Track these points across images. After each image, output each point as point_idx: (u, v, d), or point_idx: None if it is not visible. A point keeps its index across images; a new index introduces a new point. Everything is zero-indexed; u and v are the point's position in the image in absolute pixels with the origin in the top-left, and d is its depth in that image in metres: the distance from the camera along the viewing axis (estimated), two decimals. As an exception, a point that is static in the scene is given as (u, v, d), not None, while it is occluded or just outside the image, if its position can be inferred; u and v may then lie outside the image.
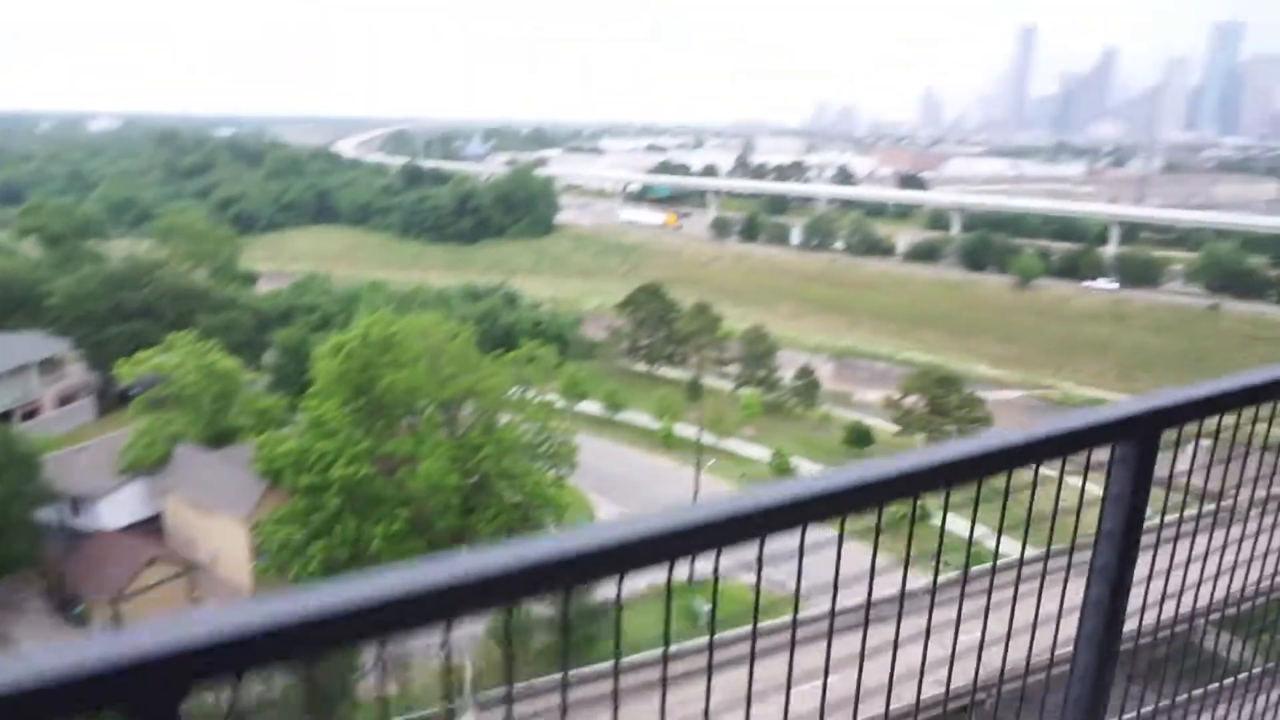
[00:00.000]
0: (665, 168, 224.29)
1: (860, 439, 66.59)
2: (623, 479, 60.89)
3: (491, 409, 48.36)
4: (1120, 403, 1.79)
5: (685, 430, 65.99)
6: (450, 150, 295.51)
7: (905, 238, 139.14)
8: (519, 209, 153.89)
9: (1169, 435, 2.16)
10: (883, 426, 68.75)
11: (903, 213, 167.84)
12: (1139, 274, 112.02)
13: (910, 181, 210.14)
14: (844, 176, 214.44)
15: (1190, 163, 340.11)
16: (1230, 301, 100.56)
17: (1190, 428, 2.20)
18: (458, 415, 48.19)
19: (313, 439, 43.17)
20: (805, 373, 78.29)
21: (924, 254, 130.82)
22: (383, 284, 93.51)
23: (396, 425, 47.37)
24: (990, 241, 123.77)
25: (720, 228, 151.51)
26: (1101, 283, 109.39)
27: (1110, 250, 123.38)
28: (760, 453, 65.13)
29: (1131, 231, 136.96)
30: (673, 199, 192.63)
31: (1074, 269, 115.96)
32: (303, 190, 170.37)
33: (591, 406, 73.25)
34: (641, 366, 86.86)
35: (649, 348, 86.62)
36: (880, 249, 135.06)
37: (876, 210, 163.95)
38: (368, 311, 59.76)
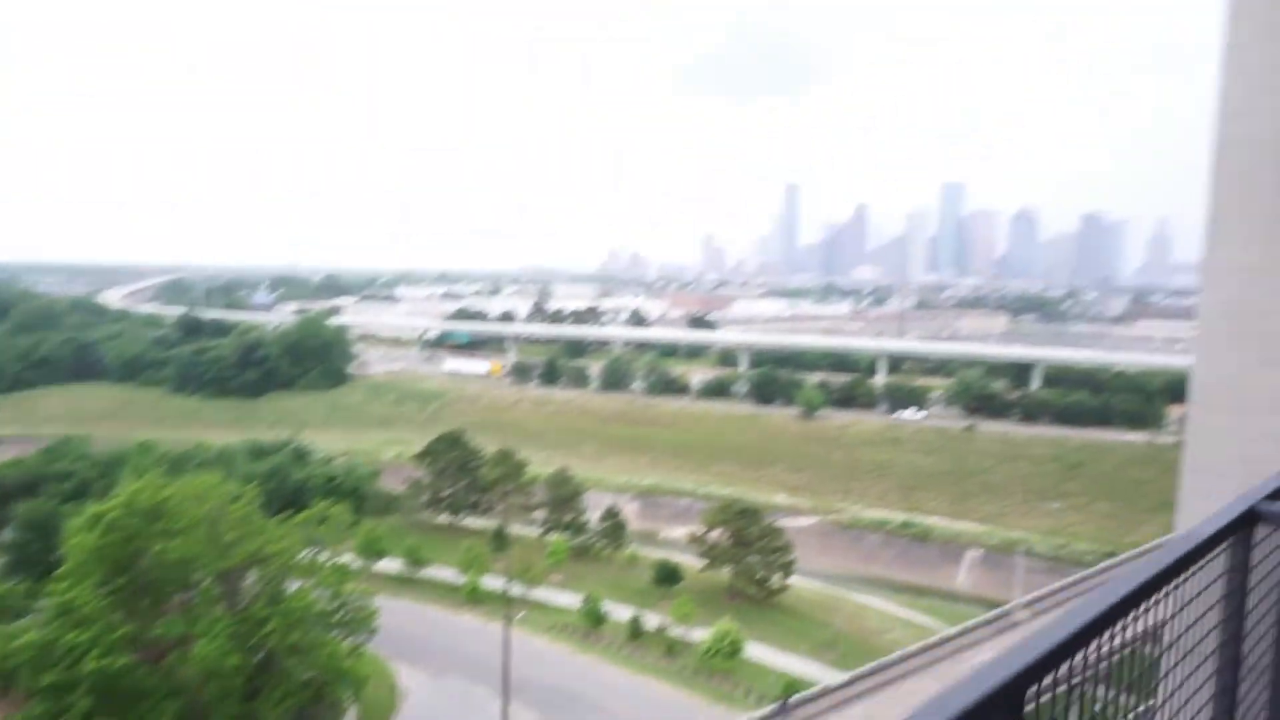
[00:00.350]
0: (463, 314, 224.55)
1: (668, 577, 66.66)
2: (426, 641, 57.11)
3: (279, 576, 44.27)
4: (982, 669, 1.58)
5: (492, 582, 63.41)
6: (234, 299, 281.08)
7: (698, 376, 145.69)
8: (310, 359, 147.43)
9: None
10: (690, 562, 69.32)
11: (694, 352, 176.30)
12: (906, 400, 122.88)
13: (699, 323, 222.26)
14: (637, 319, 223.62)
15: (936, 301, 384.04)
16: (982, 422, 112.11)
17: None
18: (240, 586, 43.67)
19: (59, 629, 37.36)
20: (611, 514, 78.22)
21: (716, 390, 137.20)
22: (153, 444, 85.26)
23: (166, 603, 42.18)
24: (775, 376, 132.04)
25: (520, 372, 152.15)
26: (910, 412, 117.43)
27: (880, 380, 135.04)
28: (570, 600, 63.50)
29: (896, 362, 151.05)
30: (472, 345, 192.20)
31: (851, 399, 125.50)
32: (59, 344, 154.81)
33: (391, 564, 69.05)
34: (444, 518, 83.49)
35: (451, 498, 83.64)
36: (675, 388, 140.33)
37: (670, 351, 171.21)
38: (134, 476, 53.99)
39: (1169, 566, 2.39)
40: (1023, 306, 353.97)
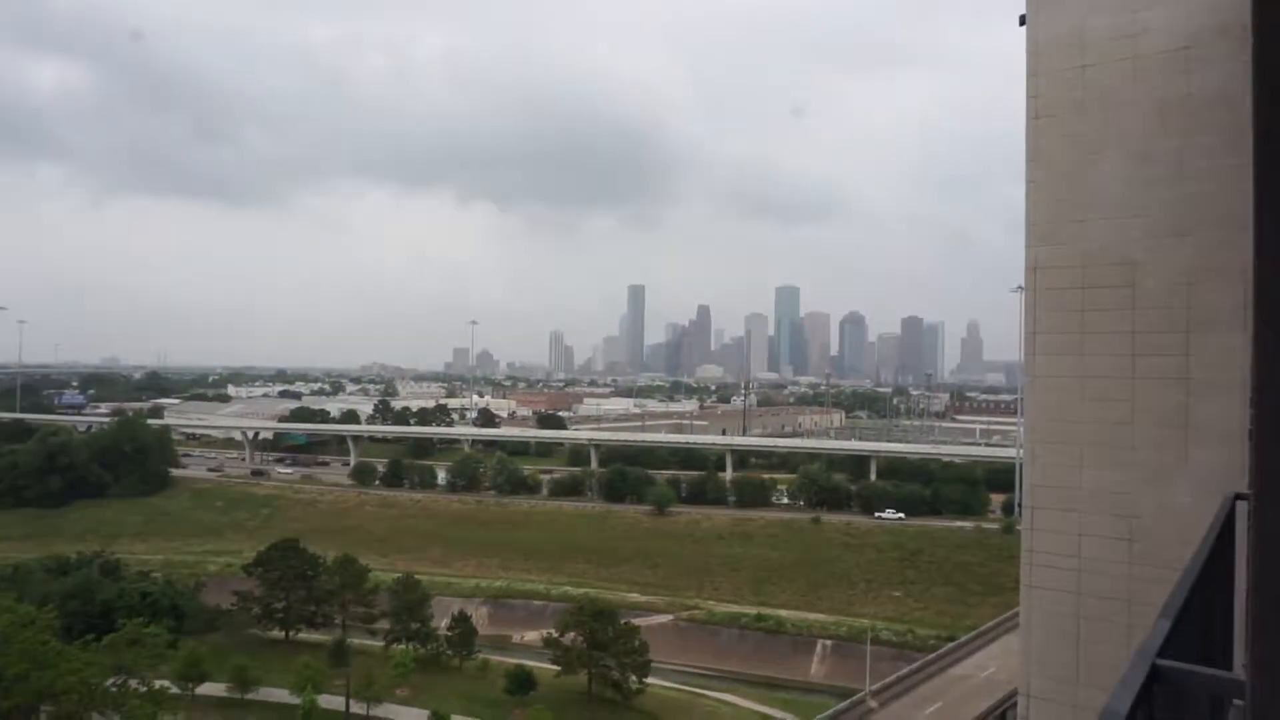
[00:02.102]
0: (302, 414, 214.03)
1: (522, 685, 64.32)
2: (256, 773, 52.17)
3: (77, 710, 39.63)
4: None
5: (332, 701, 59.03)
6: (38, 400, 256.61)
7: (548, 474, 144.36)
8: (125, 464, 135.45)
9: None
10: (544, 667, 67.23)
11: (544, 450, 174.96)
12: (753, 495, 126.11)
13: (549, 421, 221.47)
14: (486, 418, 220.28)
15: (777, 398, 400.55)
16: (827, 514, 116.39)
17: None
18: (33, 724, 38.75)
19: None
20: (460, 619, 75.19)
21: (567, 489, 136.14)
22: (-69, 564, 75.37)
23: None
24: (626, 474, 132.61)
25: (362, 474, 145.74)
26: (889, 512, 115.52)
27: (728, 475, 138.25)
28: (418, 715, 59.96)
29: (743, 458, 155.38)
30: (310, 446, 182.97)
31: (701, 494, 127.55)
32: None
33: (216, 688, 63.10)
34: (277, 633, 77.58)
35: (285, 611, 78.02)
36: (526, 487, 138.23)
37: (520, 449, 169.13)
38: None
39: None
40: (856, 402, 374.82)
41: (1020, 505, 11.51)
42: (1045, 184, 9.92)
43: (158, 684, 50.46)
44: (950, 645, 65.35)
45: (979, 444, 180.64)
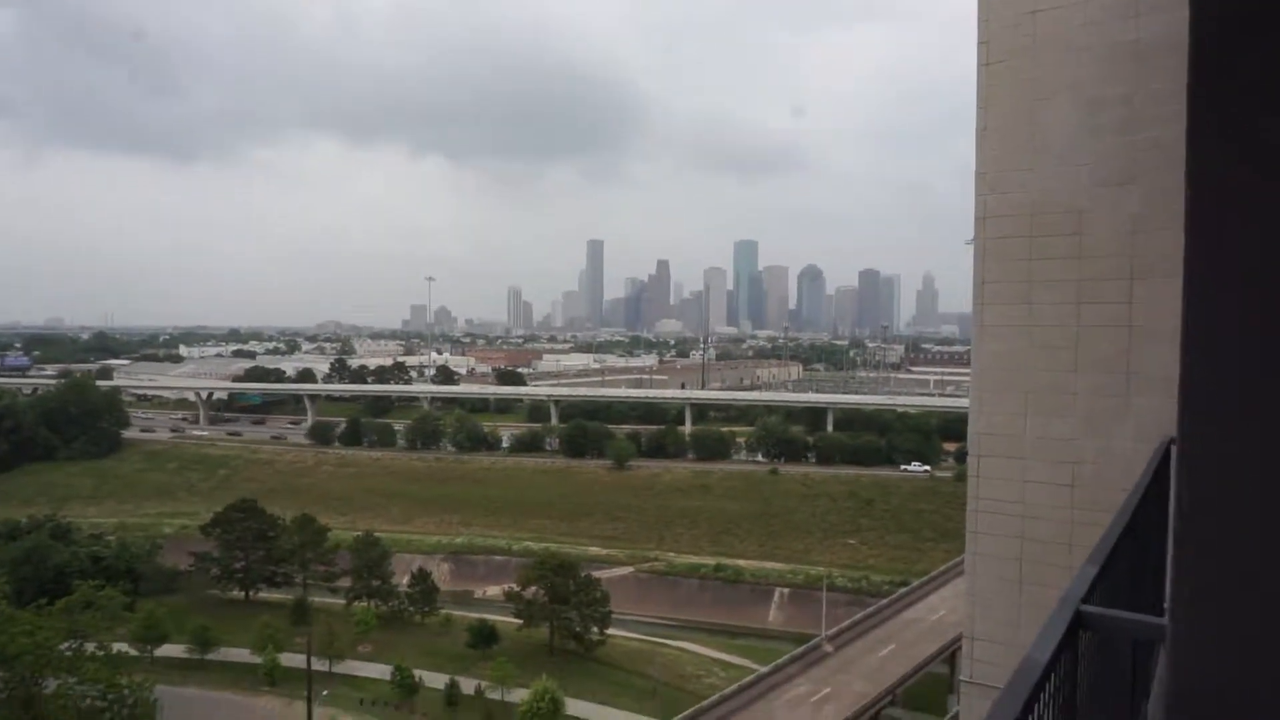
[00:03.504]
0: (256, 374, 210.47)
1: (485, 639, 64.83)
2: (218, 732, 52.16)
3: (31, 675, 39.12)
4: None
5: (293, 660, 58.97)
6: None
7: (508, 431, 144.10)
8: (74, 426, 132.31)
9: None
10: (506, 621, 67.78)
11: (504, 407, 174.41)
12: (713, 448, 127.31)
13: (508, 377, 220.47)
14: (445, 375, 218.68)
15: (736, 351, 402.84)
16: (784, 465, 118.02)
17: None
18: (-15, 690, 38.19)
19: None
20: (421, 576, 75.29)
21: (527, 445, 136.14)
22: None
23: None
24: (586, 429, 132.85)
25: (320, 433, 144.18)
26: (915, 465, 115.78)
27: (687, 429, 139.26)
28: (381, 670, 60.21)
29: (702, 411, 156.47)
30: (266, 406, 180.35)
31: (661, 448, 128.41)
32: None
33: (176, 649, 62.67)
34: (237, 593, 77.07)
35: (245, 571, 77.45)
36: (486, 443, 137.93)
37: (479, 406, 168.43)
38: None
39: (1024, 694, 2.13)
40: (814, 355, 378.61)
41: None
42: (995, 131, 9.87)
43: (115, 647, 49.93)
44: (902, 590, 67.15)
45: (933, 394, 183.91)
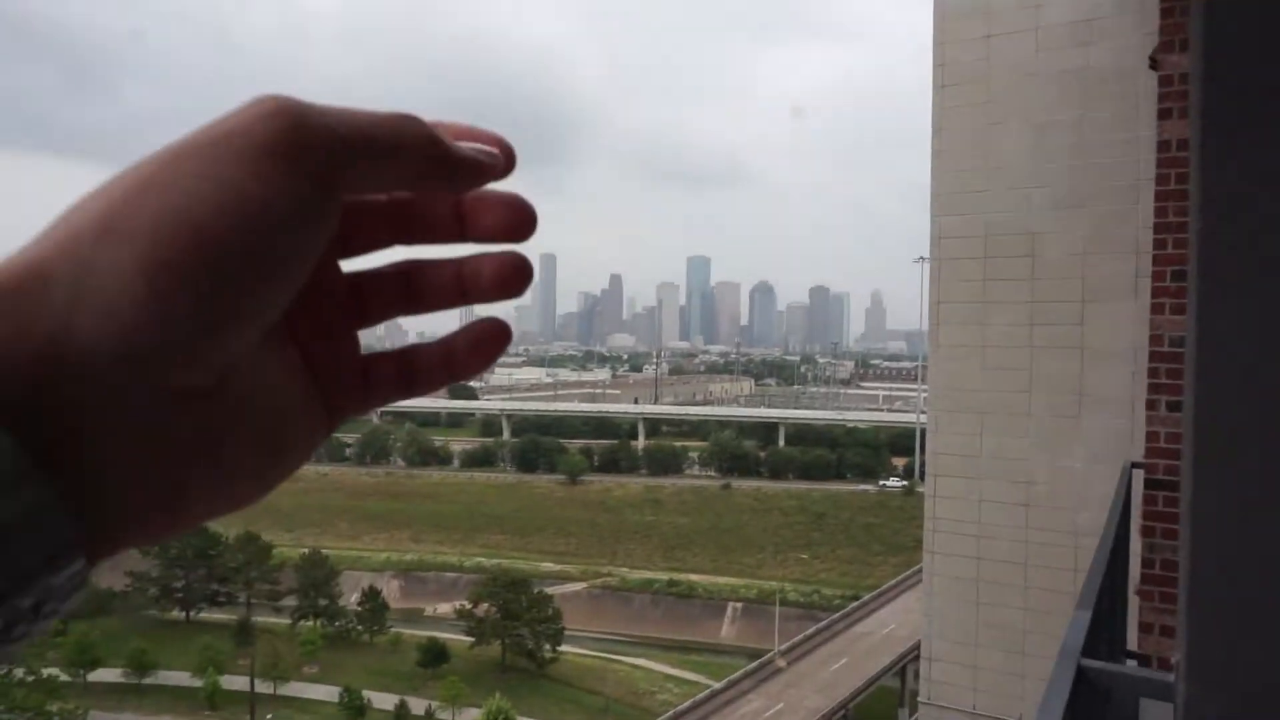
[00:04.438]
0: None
1: (435, 657, 63.81)
2: (155, 758, 50.44)
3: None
4: None
5: (236, 682, 57.37)
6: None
7: (460, 445, 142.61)
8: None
9: None
10: (458, 639, 66.81)
11: (456, 421, 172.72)
12: (665, 462, 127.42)
13: (460, 391, 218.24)
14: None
15: (688, 366, 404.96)
16: (736, 480, 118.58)
17: None
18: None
19: None
20: (371, 594, 73.88)
21: (479, 459, 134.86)
22: None
23: None
24: (539, 443, 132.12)
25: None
26: (894, 481, 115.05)
27: (640, 444, 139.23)
28: (328, 692, 58.83)
29: (655, 426, 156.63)
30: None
31: (614, 463, 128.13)
32: None
33: (110, 673, 60.49)
34: (177, 614, 74.78)
35: (185, 590, 75.20)
36: (437, 458, 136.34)
37: (431, 420, 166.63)
38: None
39: None
40: (765, 370, 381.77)
41: (921, 471, 11.76)
42: (950, 153, 10.03)
43: (45, 672, 48.07)
44: (853, 605, 67.75)
45: (882, 410, 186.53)
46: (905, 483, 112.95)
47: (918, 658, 10.14)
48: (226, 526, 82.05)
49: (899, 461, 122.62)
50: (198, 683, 59.09)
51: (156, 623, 72.93)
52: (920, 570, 10.20)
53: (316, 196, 0.38)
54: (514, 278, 0.51)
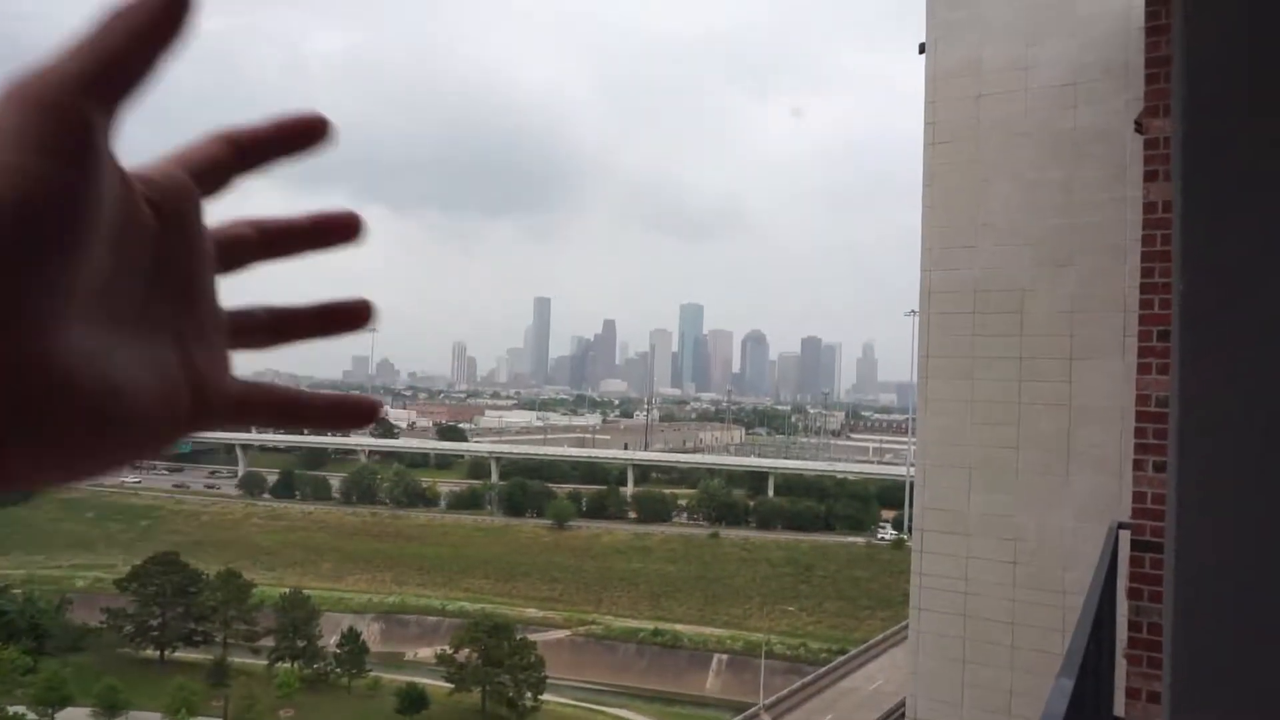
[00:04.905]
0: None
1: (414, 704, 62.51)
2: (120, 803, 48.99)
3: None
4: None
5: (208, 725, 56.10)
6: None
7: (447, 487, 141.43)
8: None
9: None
10: (438, 685, 65.54)
11: (444, 462, 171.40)
12: (654, 510, 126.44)
13: (449, 432, 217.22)
14: (384, 428, 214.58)
15: (680, 413, 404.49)
16: (725, 529, 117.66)
17: None
18: None
19: None
20: (351, 636, 72.59)
21: (466, 502, 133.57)
22: None
23: None
24: (526, 487, 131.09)
25: (250, 484, 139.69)
26: (890, 533, 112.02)
27: (629, 490, 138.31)
28: (301, 738, 57.53)
29: (644, 472, 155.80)
30: (195, 454, 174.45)
31: (602, 508, 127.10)
32: None
33: (79, 712, 58.99)
34: (151, 652, 73.26)
35: (161, 628, 73.76)
36: (424, 499, 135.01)
37: (419, 461, 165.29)
38: None
39: None
40: (756, 419, 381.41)
41: (910, 525, 11.70)
42: (940, 209, 10.14)
43: (12, 709, 46.91)
44: (841, 659, 66.83)
45: (871, 461, 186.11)
46: (899, 534, 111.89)
47: (904, 716, 9.96)
48: (208, 563, 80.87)
49: (889, 514, 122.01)
50: (168, 724, 57.73)
51: (130, 661, 71.39)
52: (908, 625, 10.08)
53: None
54: (348, 219, 0.55)
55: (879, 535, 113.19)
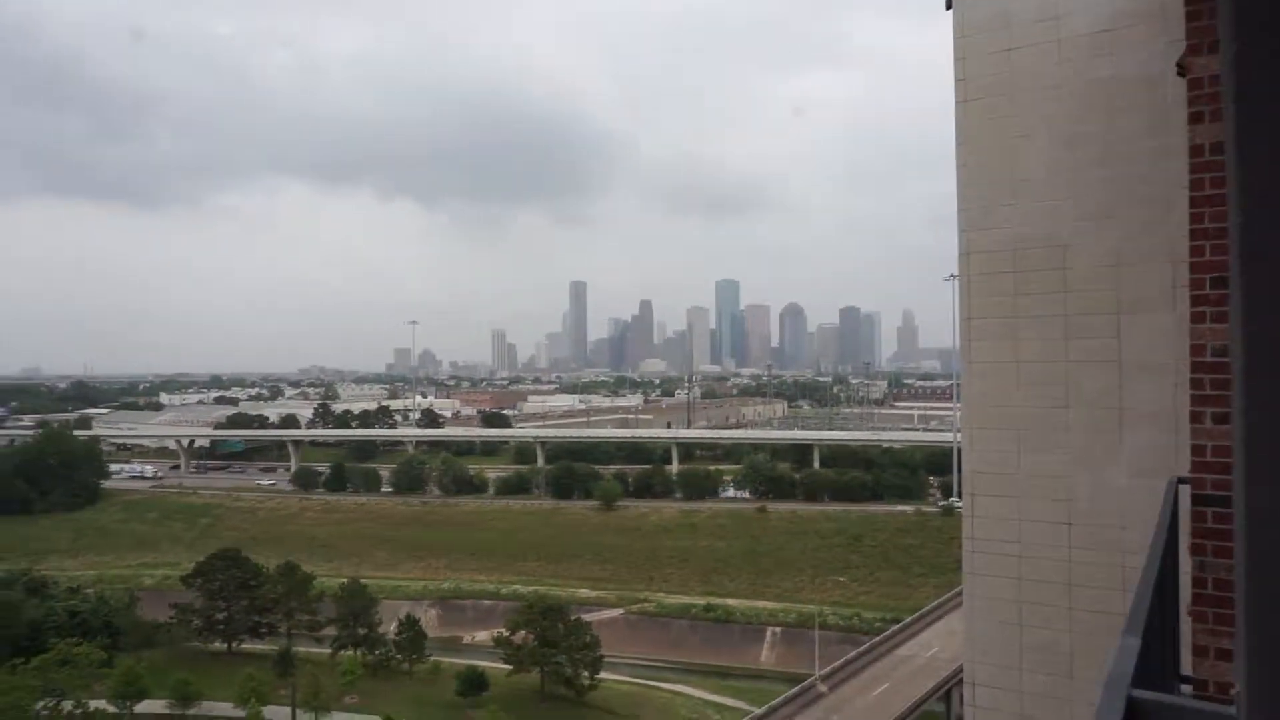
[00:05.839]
0: (239, 420, 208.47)
1: (475, 685, 63.65)
2: (198, 791, 50.69)
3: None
4: None
5: (278, 713, 57.63)
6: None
7: (494, 473, 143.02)
8: (51, 477, 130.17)
9: None
10: (496, 667, 66.61)
11: (490, 449, 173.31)
12: (700, 486, 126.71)
13: (493, 419, 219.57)
14: (430, 419, 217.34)
15: (720, 390, 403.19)
16: (772, 503, 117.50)
17: None
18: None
19: None
20: (409, 623, 74.03)
21: (514, 487, 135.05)
22: None
23: None
24: (573, 470, 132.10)
25: (304, 479, 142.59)
26: (948, 499, 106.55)
27: (674, 468, 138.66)
28: (367, 723, 58.90)
29: (688, 450, 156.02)
30: (249, 452, 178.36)
31: (648, 487, 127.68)
32: None
33: (156, 704, 61.07)
34: (219, 645, 75.44)
35: (227, 622, 75.89)
36: (472, 486, 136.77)
37: (465, 449, 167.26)
38: None
39: None
40: (798, 392, 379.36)
41: (960, 491, 11.56)
42: (975, 168, 9.91)
43: (93, 704, 48.64)
44: (895, 628, 66.52)
45: (917, 429, 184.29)
46: (950, 500, 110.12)
47: (962, 681, 9.88)
48: (267, 557, 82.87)
49: (937, 481, 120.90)
50: (240, 713, 59.47)
51: (199, 654, 73.61)
52: (962, 591, 9.94)
53: None
54: None
55: (937, 503, 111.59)
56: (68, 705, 41.96)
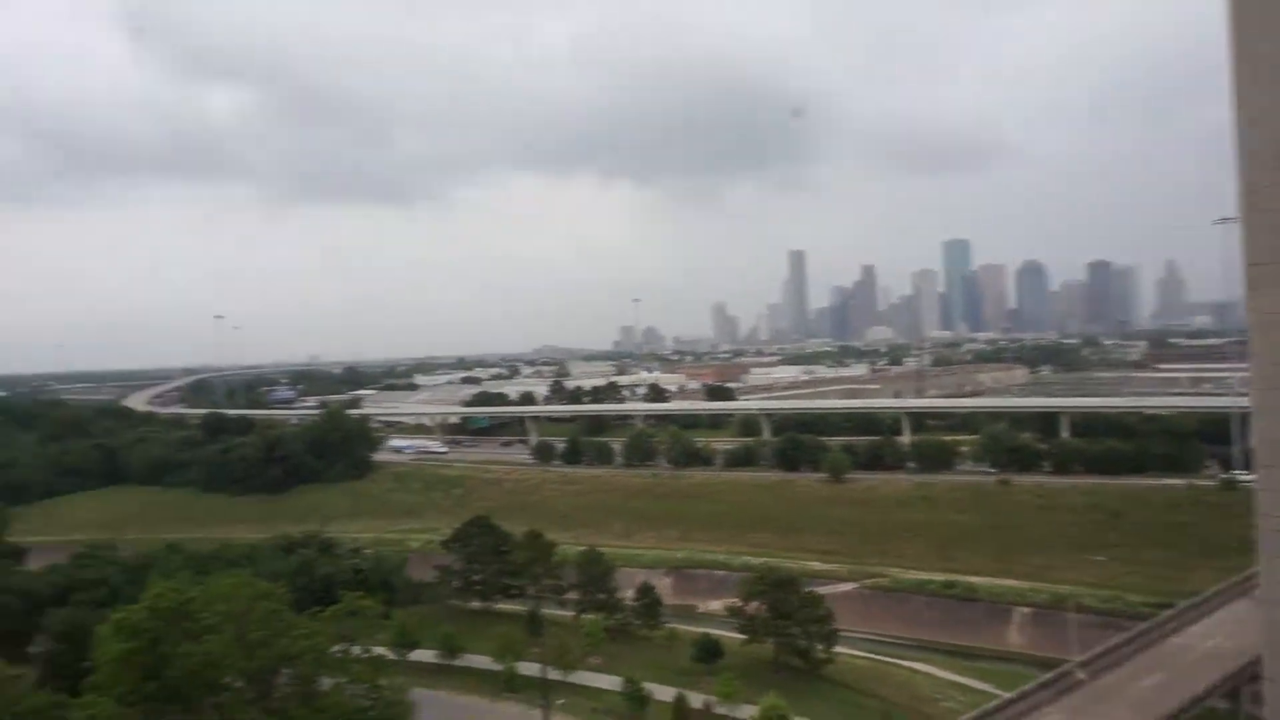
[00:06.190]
0: (482, 399, 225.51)
1: (709, 653, 65.07)
2: (466, 734, 55.69)
3: (310, 674, 43.51)
4: None
5: (529, 668, 62.08)
6: (256, 397, 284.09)
7: (721, 445, 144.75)
8: (333, 451, 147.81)
9: None
10: (730, 636, 67.72)
11: (715, 422, 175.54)
12: (934, 458, 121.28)
13: (718, 392, 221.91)
14: (656, 393, 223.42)
15: (953, 356, 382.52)
16: (1014, 475, 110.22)
17: None
18: (272, 686, 42.95)
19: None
20: (645, 590, 76.87)
21: (741, 459, 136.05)
22: (180, 545, 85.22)
23: (199, 707, 41.44)
24: (800, 442, 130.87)
25: (543, 453, 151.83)
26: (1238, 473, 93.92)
27: (905, 439, 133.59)
28: (610, 682, 61.95)
29: (920, 421, 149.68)
30: (493, 428, 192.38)
31: (878, 459, 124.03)
32: (87, 450, 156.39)
33: (426, 654, 67.83)
34: (476, 604, 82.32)
35: (483, 583, 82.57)
36: (700, 459, 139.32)
37: (690, 422, 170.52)
38: (162, 578, 53.88)
39: None
40: (1040, 357, 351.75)
41: (1246, 462, 10.30)
42: (1259, 85, 8.71)
43: (375, 651, 54.73)
44: (1166, 614, 60.19)
45: (1187, 394, 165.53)
46: (1234, 472, 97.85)
47: (1256, 678, 8.86)
48: (513, 525, 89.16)
49: (1213, 452, 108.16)
50: (497, 667, 64.61)
51: (460, 611, 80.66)
52: (1251, 576, 8.82)
53: None
54: None
55: (1215, 476, 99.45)
56: (356, 650, 47.45)
